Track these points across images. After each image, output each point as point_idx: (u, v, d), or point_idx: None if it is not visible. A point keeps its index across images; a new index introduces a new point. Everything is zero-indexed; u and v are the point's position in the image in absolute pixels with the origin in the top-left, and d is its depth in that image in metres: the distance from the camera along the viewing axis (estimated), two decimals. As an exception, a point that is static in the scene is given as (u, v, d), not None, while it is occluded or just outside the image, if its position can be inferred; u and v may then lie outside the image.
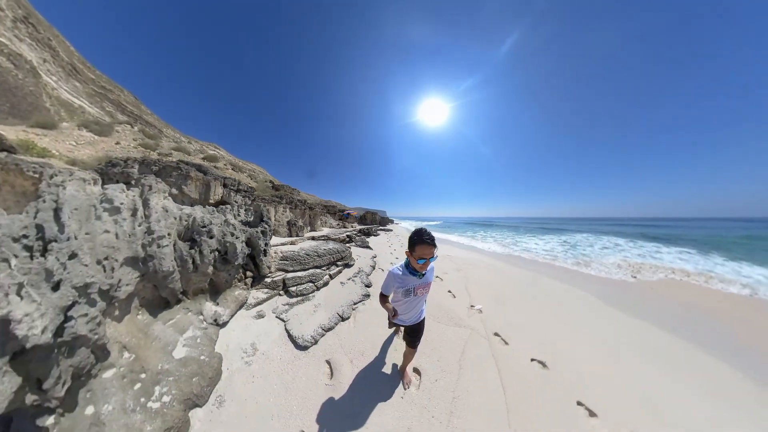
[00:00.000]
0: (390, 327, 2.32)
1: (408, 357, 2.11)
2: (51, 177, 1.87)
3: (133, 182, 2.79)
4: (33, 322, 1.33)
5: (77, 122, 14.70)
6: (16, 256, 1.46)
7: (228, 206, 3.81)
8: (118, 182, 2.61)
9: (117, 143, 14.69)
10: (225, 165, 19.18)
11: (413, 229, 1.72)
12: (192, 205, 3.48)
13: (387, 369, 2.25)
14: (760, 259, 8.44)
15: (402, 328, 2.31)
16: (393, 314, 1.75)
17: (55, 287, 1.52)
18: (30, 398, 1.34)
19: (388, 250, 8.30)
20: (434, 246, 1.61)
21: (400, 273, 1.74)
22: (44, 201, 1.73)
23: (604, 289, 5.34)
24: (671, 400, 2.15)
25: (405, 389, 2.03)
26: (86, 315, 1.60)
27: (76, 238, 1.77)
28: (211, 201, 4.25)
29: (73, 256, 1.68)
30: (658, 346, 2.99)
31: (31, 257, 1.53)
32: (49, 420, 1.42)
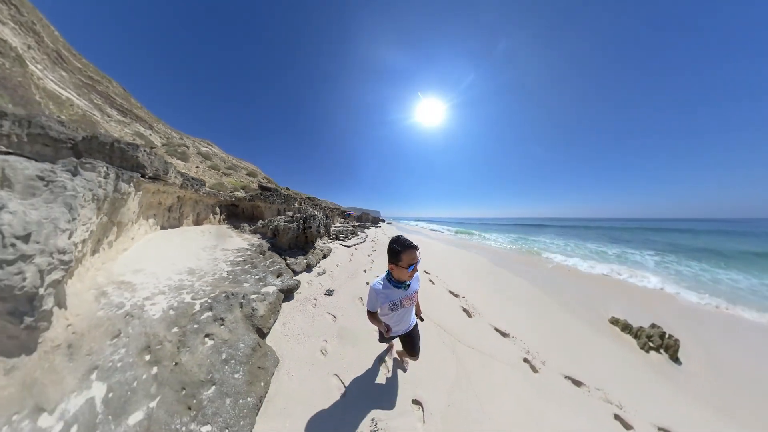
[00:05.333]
0: (381, 341, 2.26)
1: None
2: (299, 204, 8.82)
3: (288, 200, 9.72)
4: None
5: (164, 151, 20.52)
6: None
7: (318, 209, 10.75)
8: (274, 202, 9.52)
9: (197, 167, 21.08)
10: (261, 179, 25.57)
11: (390, 239, 1.68)
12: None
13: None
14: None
15: (394, 347, 2.57)
16: (387, 331, 1.72)
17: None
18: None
19: (374, 236, 15.31)
20: (417, 248, 1.61)
21: (381, 287, 1.70)
22: (306, 211, 8.68)
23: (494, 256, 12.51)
24: (477, 293, 9.19)
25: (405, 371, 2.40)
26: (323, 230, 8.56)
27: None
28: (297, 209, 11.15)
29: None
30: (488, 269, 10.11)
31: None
32: (307, 252, 8.33)
